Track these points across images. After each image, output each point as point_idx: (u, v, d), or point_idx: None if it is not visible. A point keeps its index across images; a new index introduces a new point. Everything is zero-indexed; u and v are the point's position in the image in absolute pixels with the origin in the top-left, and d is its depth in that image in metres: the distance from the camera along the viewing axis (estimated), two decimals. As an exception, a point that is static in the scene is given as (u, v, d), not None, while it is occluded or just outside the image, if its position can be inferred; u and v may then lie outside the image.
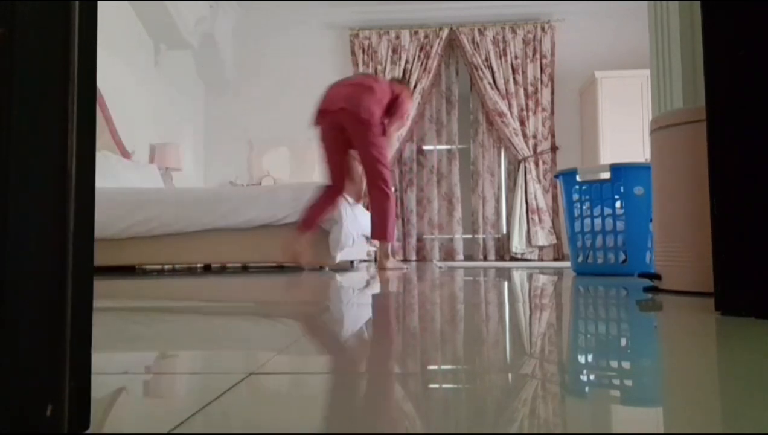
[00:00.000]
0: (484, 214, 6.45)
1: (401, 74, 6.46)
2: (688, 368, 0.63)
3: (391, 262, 3.60)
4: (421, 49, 6.48)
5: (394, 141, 4.20)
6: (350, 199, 3.83)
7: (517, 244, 6.28)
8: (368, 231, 4.56)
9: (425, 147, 6.60)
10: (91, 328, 0.43)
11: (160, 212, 3.65)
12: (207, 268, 4.28)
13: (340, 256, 3.76)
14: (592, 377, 0.59)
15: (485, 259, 6.41)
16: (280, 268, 4.15)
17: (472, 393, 0.53)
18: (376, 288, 2.01)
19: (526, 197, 6.35)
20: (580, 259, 2.90)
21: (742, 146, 1.11)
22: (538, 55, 6.41)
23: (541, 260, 6.18)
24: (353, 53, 6.56)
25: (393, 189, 3.73)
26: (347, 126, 3.42)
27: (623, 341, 0.82)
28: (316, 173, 6.63)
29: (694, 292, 1.54)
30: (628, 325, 0.99)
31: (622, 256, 2.73)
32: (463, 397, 0.52)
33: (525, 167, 6.35)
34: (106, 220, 3.58)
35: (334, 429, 0.43)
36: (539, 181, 6.38)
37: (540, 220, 6.30)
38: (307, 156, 6.65)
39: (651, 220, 2.59)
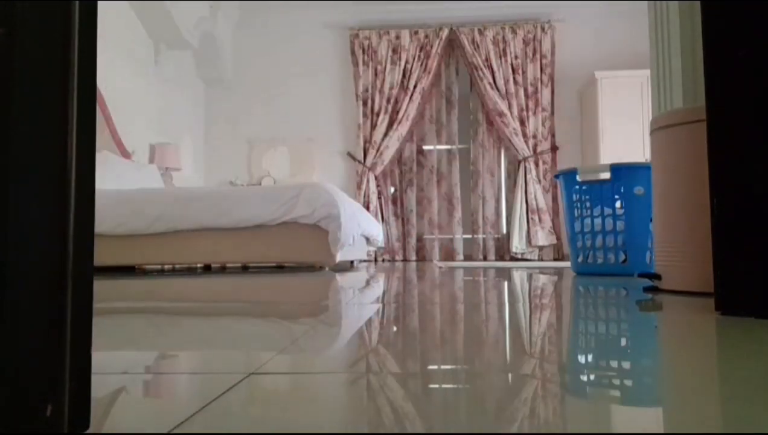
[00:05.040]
0: (484, 214, 6.45)
1: (401, 74, 6.45)
2: (688, 368, 0.63)
3: None
4: (421, 49, 6.48)
5: None
6: None
7: (517, 244, 6.28)
8: (368, 230, 4.55)
9: (425, 147, 6.60)
10: (91, 328, 0.43)
11: (160, 210, 3.65)
12: (207, 268, 4.28)
13: (340, 256, 3.76)
14: (592, 377, 0.59)
15: (485, 259, 6.40)
16: (280, 268, 4.14)
17: (472, 393, 0.53)
18: (376, 288, 2.01)
19: (526, 197, 6.35)
20: (580, 259, 2.90)
21: (742, 146, 1.11)
22: (538, 55, 6.40)
23: (541, 260, 6.18)
24: (353, 53, 6.56)
25: None
26: None
27: (623, 341, 0.82)
28: (316, 173, 6.63)
29: (694, 292, 1.53)
30: (628, 325, 0.99)
31: (622, 256, 2.73)
32: (463, 397, 0.52)
33: (525, 167, 6.35)
34: (105, 219, 3.58)
35: (335, 429, 0.43)
36: (539, 181, 6.37)
37: (540, 220, 6.30)
38: (307, 155, 6.65)
39: (651, 220, 2.59)
